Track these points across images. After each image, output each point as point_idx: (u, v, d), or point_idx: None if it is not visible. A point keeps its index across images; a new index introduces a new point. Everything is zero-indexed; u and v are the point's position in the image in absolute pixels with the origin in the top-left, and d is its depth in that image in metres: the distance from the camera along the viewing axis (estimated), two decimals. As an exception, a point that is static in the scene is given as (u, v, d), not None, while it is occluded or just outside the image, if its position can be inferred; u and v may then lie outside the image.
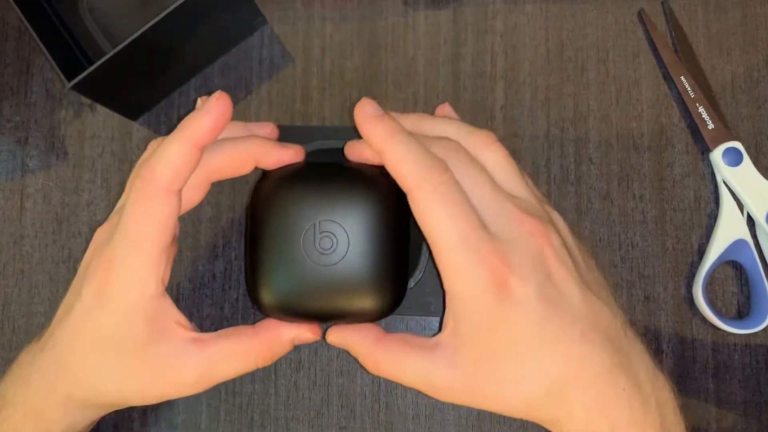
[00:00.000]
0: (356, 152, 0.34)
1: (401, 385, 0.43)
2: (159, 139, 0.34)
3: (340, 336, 0.34)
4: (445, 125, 0.34)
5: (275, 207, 0.33)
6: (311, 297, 0.33)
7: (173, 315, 0.32)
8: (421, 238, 0.33)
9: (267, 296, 0.33)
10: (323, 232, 0.32)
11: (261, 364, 0.33)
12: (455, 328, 0.31)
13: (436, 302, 0.37)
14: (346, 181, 0.33)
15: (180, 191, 0.31)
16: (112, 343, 0.32)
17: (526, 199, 0.32)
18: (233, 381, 0.45)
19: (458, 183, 0.30)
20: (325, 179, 0.33)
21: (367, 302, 0.33)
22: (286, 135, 0.37)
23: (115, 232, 0.32)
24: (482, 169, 0.32)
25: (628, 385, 0.30)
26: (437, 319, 0.36)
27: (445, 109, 0.38)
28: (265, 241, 0.33)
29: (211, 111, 0.31)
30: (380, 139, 0.31)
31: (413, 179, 0.30)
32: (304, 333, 0.34)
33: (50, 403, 0.33)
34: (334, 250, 0.32)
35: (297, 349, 0.44)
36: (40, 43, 0.40)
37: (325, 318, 0.34)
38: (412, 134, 0.32)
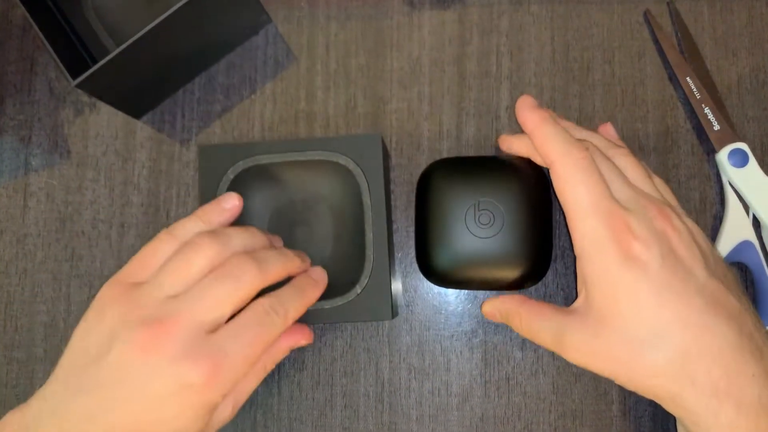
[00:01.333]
0: (506, 144, 0.40)
1: (403, 385, 0.43)
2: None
3: (491, 305, 0.39)
4: (589, 135, 0.39)
5: (443, 189, 0.40)
6: (471, 264, 0.39)
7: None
8: (364, 247, 0.39)
9: (435, 263, 0.40)
10: (482, 210, 0.39)
11: (266, 373, 0.38)
12: (586, 292, 0.34)
13: (383, 305, 0.39)
14: (500, 168, 0.40)
15: None
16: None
17: (654, 195, 0.36)
18: (236, 381, 0.44)
19: (595, 163, 0.35)
20: (482, 167, 0.40)
21: (518, 269, 0.39)
22: (219, 154, 0.42)
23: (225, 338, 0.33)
24: (615, 166, 0.36)
25: (758, 372, 0.31)
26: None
27: (608, 129, 0.41)
28: (434, 218, 0.39)
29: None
30: (533, 123, 0.37)
31: (557, 154, 0.35)
32: (299, 341, 0.39)
33: None
34: (492, 224, 0.39)
35: (300, 349, 0.44)
36: (45, 40, 0.40)
37: (482, 283, 0.40)
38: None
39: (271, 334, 0.35)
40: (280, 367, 0.44)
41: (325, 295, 0.39)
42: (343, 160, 0.40)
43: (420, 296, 0.44)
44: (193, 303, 0.33)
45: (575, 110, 0.45)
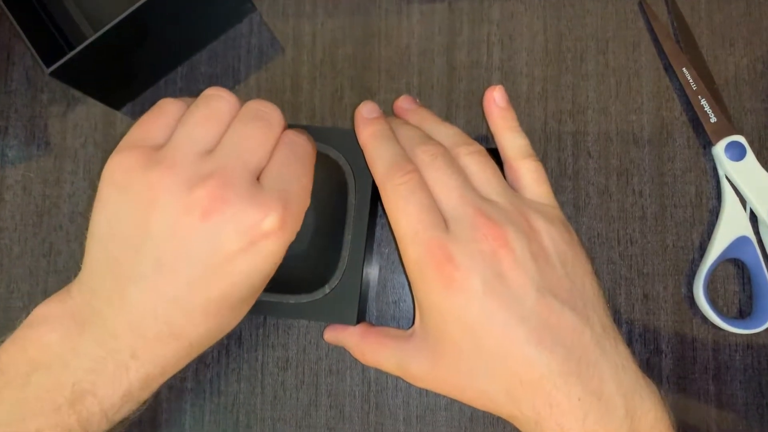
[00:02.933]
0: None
1: (390, 384, 0.42)
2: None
3: (332, 335, 0.39)
4: (443, 131, 0.37)
5: None
6: None
7: None
8: (341, 247, 0.38)
9: None
10: None
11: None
12: (420, 318, 0.34)
13: (348, 310, 0.38)
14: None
15: None
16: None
17: (497, 204, 0.33)
18: (218, 380, 0.43)
19: (422, 184, 0.33)
20: None
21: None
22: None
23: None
24: (458, 174, 0.34)
25: (584, 394, 0.30)
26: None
27: (493, 95, 0.38)
28: None
29: None
30: (363, 138, 0.36)
31: (381, 176, 0.34)
32: None
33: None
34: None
35: (285, 347, 0.43)
36: (18, 28, 0.39)
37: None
38: (394, 137, 0.36)
39: (310, 159, 0.34)
40: (263, 365, 0.43)
41: (292, 289, 0.37)
42: (334, 154, 0.38)
43: (408, 293, 0.43)
44: (237, 150, 0.31)
45: (568, 101, 0.44)
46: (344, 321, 0.38)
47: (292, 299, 0.37)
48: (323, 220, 0.41)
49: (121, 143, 0.31)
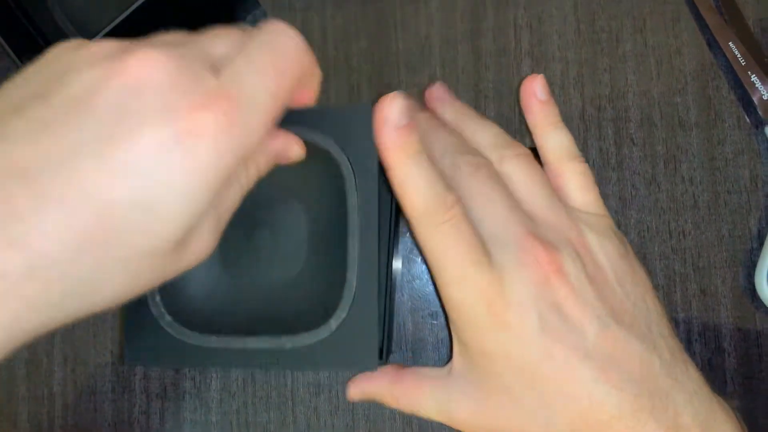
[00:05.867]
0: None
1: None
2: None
3: (358, 389, 0.34)
4: (483, 131, 0.33)
5: None
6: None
7: None
8: (345, 264, 0.30)
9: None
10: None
11: (258, 175, 0.27)
12: (461, 357, 0.31)
13: (366, 349, 0.29)
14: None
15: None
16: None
17: (544, 221, 0.31)
18: (245, 410, 0.40)
19: (465, 215, 0.29)
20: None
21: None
22: None
23: (247, 65, 0.24)
24: (503, 188, 0.31)
25: (659, 428, 0.28)
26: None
27: (532, 86, 0.34)
28: None
29: None
30: (391, 159, 0.29)
31: (417, 213, 0.29)
32: (290, 143, 0.29)
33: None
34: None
35: (315, 371, 0.40)
36: (3, 43, 0.36)
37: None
38: (428, 156, 0.29)
39: (291, 62, 0.25)
40: (294, 391, 0.40)
41: (286, 328, 0.29)
42: (321, 139, 0.30)
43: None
44: (201, 38, 0.25)
45: (606, 85, 0.40)
46: (362, 365, 0.30)
47: (288, 342, 0.29)
48: (318, 232, 0.33)
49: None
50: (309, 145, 0.29)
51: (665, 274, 0.39)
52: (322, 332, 0.29)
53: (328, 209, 0.31)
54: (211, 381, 0.40)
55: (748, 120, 0.40)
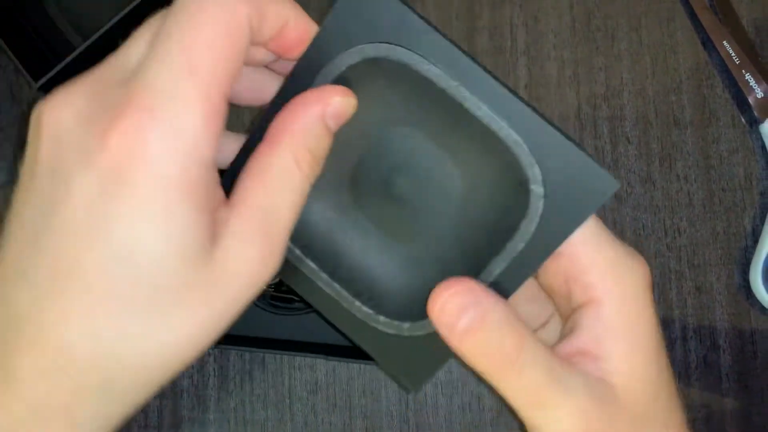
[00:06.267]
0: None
1: (429, 402, 0.39)
2: None
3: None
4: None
5: None
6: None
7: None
8: (485, 262, 0.23)
9: None
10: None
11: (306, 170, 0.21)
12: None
13: (423, 371, 0.24)
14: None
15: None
16: (142, 261, 0.18)
17: None
18: (242, 408, 0.40)
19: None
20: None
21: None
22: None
23: (150, 54, 0.19)
24: None
25: None
26: None
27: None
28: None
29: None
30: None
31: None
32: (333, 96, 0.21)
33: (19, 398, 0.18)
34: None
35: (312, 368, 0.40)
36: (1, 40, 0.36)
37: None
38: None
39: (211, 21, 0.19)
40: (291, 389, 0.40)
41: (375, 304, 0.24)
42: (508, 137, 0.22)
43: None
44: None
45: (601, 84, 0.41)
46: (411, 384, 0.24)
47: (382, 321, 0.24)
48: (472, 212, 0.24)
49: None
50: (492, 136, 0.22)
51: (660, 271, 0.40)
52: (388, 326, 0.24)
53: (491, 191, 0.24)
54: (208, 379, 0.40)
55: (742, 118, 0.40)
